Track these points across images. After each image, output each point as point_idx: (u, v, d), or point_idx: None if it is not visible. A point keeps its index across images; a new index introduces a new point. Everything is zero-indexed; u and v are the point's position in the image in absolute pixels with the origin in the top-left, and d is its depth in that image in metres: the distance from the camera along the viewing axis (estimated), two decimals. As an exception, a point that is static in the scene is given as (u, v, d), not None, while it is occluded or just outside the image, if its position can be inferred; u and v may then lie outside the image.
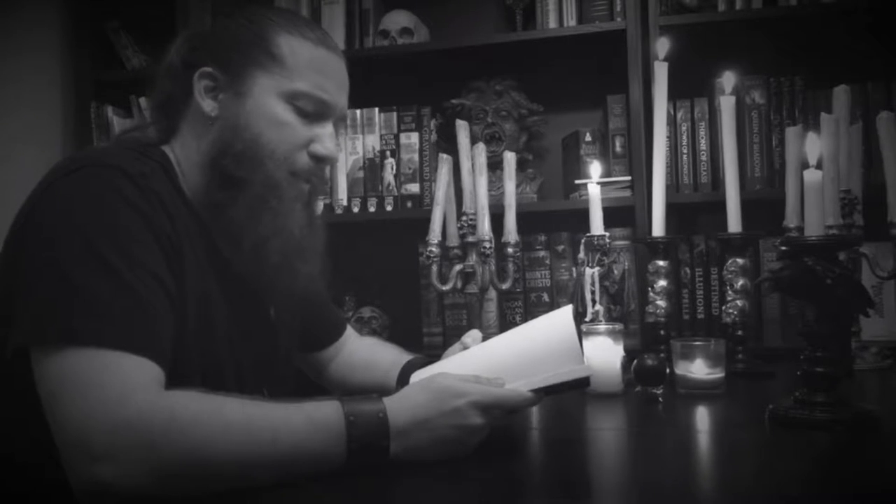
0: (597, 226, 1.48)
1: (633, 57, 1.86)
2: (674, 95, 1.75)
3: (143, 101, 2.15)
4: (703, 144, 1.92)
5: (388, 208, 2.07)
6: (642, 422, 1.10)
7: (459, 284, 1.64)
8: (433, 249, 1.59)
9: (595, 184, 1.51)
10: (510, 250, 1.59)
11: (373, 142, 2.09)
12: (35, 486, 0.82)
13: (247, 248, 0.91)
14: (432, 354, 1.20)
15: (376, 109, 2.09)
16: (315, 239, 0.99)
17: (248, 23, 0.95)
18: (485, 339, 1.07)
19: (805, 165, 1.03)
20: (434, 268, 1.61)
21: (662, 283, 1.48)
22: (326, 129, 0.96)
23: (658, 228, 1.48)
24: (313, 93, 0.94)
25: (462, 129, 1.65)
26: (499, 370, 0.90)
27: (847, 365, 1.33)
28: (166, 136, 0.98)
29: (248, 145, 0.91)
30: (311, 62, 0.94)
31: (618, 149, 1.98)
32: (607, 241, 1.47)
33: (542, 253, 2.03)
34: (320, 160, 0.96)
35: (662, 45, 1.53)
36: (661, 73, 1.51)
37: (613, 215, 1.78)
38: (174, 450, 0.71)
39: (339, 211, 2.08)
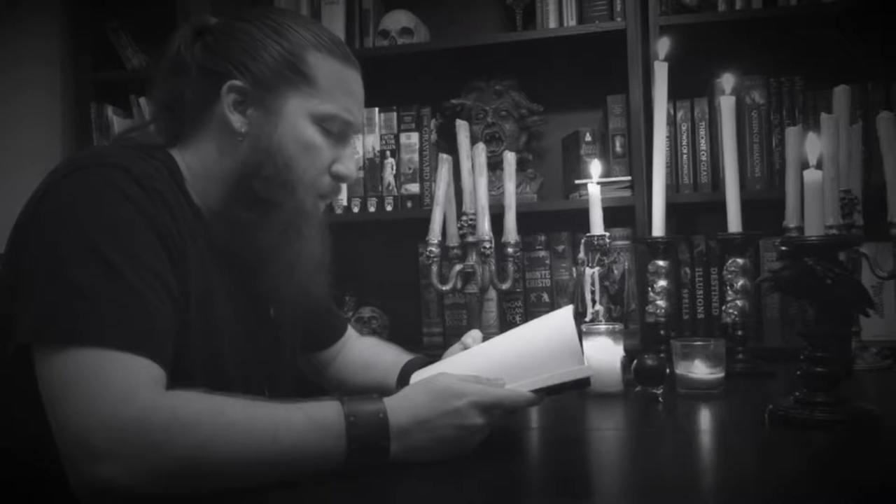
0: (597, 226, 1.48)
1: (633, 57, 1.87)
2: (674, 95, 1.75)
3: (143, 101, 2.15)
4: (703, 144, 1.92)
5: (388, 208, 2.07)
6: (642, 422, 1.10)
7: (459, 284, 1.64)
8: (433, 249, 1.59)
9: (595, 184, 1.51)
10: (510, 250, 1.59)
11: (373, 142, 2.10)
12: (36, 485, 0.82)
13: (274, 271, 0.92)
14: (432, 354, 1.19)
15: (376, 109, 2.09)
16: (325, 252, 1.00)
17: (275, 34, 0.92)
18: (485, 339, 1.07)
19: (805, 165, 1.03)
20: (434, 268, 1.61)
21: (662, 283, 1.48)
22: (348, 150, 0.98)
23: (658, 228, 1.48)
24: (341, 115, 0.94)
25: (462, 129, 1.65)
26: (499, 370, 0.90)
27: (847, 365, 1.33)
28: (172, 138, 0.97)
29: (280, 170, 0.91)
30: (340, 83, 0.94)
31: (618, 149, 1.98)
32: (607, 241, 1.47)
33: (542, 253, 2.03)
34: (340, 179, 0.97)
35: (663, 45, 1.53)
36: (661, 73, 1.51)
37: (613, 215, 1.78)
38: (175, 449, 0.71)
39: (339, 211, 2.08)
